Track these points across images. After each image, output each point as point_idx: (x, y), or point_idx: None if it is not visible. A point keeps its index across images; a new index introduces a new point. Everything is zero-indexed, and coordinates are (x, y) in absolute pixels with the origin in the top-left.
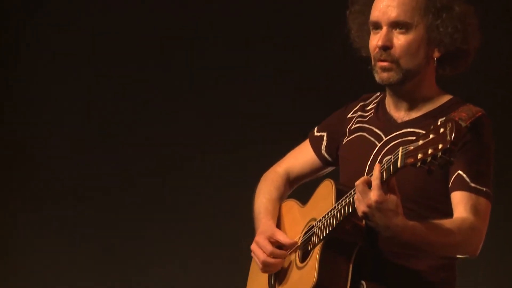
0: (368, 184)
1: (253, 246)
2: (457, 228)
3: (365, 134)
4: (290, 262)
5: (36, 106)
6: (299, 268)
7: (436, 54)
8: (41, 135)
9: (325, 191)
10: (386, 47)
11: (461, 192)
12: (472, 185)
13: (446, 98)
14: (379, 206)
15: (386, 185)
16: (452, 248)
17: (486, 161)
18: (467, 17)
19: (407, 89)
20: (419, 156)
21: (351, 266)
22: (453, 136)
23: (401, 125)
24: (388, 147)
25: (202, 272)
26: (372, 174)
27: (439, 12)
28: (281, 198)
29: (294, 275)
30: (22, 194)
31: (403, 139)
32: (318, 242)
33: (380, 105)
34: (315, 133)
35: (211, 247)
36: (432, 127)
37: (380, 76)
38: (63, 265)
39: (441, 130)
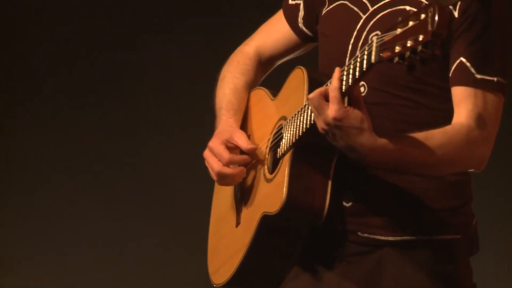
0: (325, 97)
1: (206, 153)
2: (450, 142)
3: (347, 2)
4: (259, 171)
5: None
6: (267, 180)
7: None
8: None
9: (296, 82)
10: None
11: (463, 87)
12: (478, 76)
13: None
14: (338, 123)
15: (348, 96)
16: (443, 167)
17: (497, 40)
18: None
19: None
20: (397, 49)
21: (330, 180)
22: (435, 25)
23: None
24: (375, 19)
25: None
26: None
27: None
28: (251, 85)
29: (262, 188)
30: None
31: (393, 8)
32: (288, 150)
33: None
34: (290, 1)
35: None
36: (413, 11)
37: None
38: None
39: (422, 16)
